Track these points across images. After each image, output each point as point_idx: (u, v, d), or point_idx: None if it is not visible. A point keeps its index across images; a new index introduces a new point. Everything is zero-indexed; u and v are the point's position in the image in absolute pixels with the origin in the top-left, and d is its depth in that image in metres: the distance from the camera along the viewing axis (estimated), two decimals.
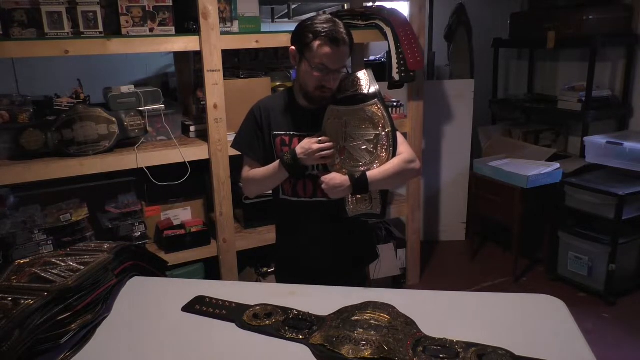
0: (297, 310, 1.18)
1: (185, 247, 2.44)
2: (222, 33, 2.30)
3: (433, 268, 3.46)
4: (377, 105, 1.50)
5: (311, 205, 1.61)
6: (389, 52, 2.69)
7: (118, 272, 1.31)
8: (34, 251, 2.13)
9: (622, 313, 2.82)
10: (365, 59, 3.96)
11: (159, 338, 1.13)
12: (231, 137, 2.04)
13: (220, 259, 2.50)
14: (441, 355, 1.00)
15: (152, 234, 2.54)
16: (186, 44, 2.27)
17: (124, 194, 2.47)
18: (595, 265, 2.95)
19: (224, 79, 2.35)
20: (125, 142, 2.32)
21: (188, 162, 2.35)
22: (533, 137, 3.67)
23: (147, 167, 2.28)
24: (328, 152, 1.49)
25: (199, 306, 1.23)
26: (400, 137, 1.55)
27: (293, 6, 4.04)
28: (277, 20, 4.27)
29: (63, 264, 1.22)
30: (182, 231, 2.48)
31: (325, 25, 1.45)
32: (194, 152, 2.38)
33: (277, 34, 2.51)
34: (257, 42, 2.42)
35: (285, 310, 1.19)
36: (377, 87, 1.52)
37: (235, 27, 2.42)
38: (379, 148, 1.51)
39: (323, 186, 1.51)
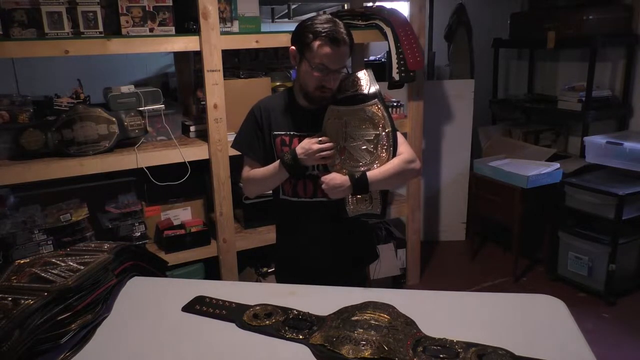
0: (297, 310, 1.18)
1: (185, 247, 2.44)
2: (222, 33, 2.30)
3: (433, 268, 3.46)
4: (377, 105, 1.50)
5: (311, 205, 1.61)
6: (389, 52, 2.69)
7: (118, 272, 1.30)
8: (34, 251, 2.13)
9: (622, 313, 2.82)
10: (365, 59, 3.96)
11: (159, 338, 1.13)
12: (231, 137, 2.04)
13: (220, 259, 2.50)
14: (441, 355, 1.00)
15: (152, 234, 2.54)
16: (186, 44, 2.27)
17: (124, 194, 2.47)
18: (595, 265, 2.95)
19: (224, 79, 2.36)
20: (125, 142, 2.32)
21: (188, 162, 2.35)
22: (533, 137, 3.67)
23: (147, 167, 2.28)
24: (328, 152, 1.49)
25: (199, 306, 1.23)
26: (400, 137, 1.55)
27: (293, 6, 4.04)
28: (277, 20, 4.27)
29: (63, 264, 1.22)
30: (182, 231, 2.48)
31: (325, 25, 1.45)
32: (194, 152, 2.38)
33: (277, 34, 2.51)
34: (257, 42, 2.42)
35: (285, 310, 1.19)
36: (377, 87, 1.52)
37: (235, 27, 2.42)
38: (379, 148, 1.51)
39: (323, 186, 1.51)
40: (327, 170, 1.53)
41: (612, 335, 2.64)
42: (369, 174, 1.49)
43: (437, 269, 3.45)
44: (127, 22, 2.16)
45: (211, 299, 1.26)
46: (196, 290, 1.31)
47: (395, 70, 2.62)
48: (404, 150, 1.54)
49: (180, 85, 3.07)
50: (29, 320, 1.02)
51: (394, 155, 1.52)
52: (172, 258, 2.34)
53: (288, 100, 1.63)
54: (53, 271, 1.18)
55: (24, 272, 1.20)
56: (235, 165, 2.25)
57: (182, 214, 2.59)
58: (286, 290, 1.32)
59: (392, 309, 1.15)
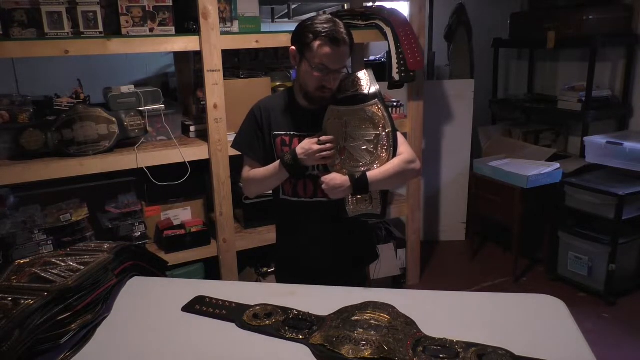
0: (297, 310, 1.18)
1: (185, 247, 2.44)
2: (222, 33, 2.30)
3: (433, 268, 3.46)
4: (377, 106, 1.50)
5: (311, 205, 1.61)
6: (389, 52, 2.69)
7: (118, 272, 1.31)
8: (34, 251, 2.13)
9: (622, 313, 2.82)
10: (365, 59, 3.96)
11: (159, 338, 1.13)
12: (231, 137, 2.04)
13: (220, 259, 2.51)
14: (441, 355, 1.00)
15: (152, 234, 2.54)
16: (186, 44, 2.27)
17: (124, 194, 2.47)
18: (595, 265, 2.95)
19: (224, 79, 2.36)
20: (125, 142, 2.32)
21: (188, 162, 2.35)
22: (533, 137, 3.67)
23: (147, 167, 2.28)
24: (328, 152, 1.49)
25: (199, 306, 1.23)
26: (400, 137, 1.55)
27: (293, 6, 4.04)
28: (277, 20, 4.27)
29: (63, 264, 1.22)
30: (182, 231, 2.48)
31: (325, 25, 1.45)
32: (194, 152, 2.38)
33: (277, 34, 2.51)
34: (257, 42, 2.42)
35: (285, 310, 1.19)
36: (378, 87, 1.52)
37: (235, 27, 2.42)
38: (379, 148, 1.51)
39: (323, 186, 1.51)
40: (327, 171, 1.53)
41: (612, 335, 2.64)
42: (369, 174, 1.49)
43: (437, 269, 3.45)
44: (127, 22, 2.16)
45: (211, 299, 1.26)
46: (196, 290, 1.31)
47: (395, 70, 2.62)
48: (404, 150, 1.54)
49: (180, 85, 3.07)
50: (29, 320, 1.02)
51: (394, 155, 1.52)
52: (172, 258, 2.34)
53: (288, 100, 1.63)
54: (53, 271, 1.18)
55: (24, 272, 1.20)
56: (235, 165, 2.25)
57: (182, 214, 2.59)
58: (286, 290, 1.32)
59: (392, 309, 1.15)
